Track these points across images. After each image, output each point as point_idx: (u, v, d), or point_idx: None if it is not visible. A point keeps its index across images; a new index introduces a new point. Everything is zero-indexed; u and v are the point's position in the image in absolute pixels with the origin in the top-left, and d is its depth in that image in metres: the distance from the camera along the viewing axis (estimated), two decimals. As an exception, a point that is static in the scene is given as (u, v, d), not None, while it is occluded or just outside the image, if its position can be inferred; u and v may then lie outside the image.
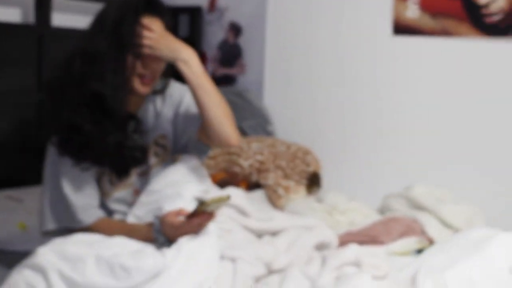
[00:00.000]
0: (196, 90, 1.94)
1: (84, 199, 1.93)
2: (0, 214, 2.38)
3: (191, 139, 2.07)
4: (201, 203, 1.73)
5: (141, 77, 1.93)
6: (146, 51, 1.90)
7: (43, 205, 1.98)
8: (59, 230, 1.96)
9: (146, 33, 1.90)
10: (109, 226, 1.95)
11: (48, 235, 1.96)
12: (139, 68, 1.92)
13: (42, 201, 1.98)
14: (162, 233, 1.82)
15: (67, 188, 1.93)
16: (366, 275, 1.68)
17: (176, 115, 2.08)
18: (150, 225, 1.86)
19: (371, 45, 3.28)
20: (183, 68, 1.92)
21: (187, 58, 1.92)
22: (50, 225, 1.97)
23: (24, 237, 2.28)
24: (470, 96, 3.08)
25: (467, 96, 3.09)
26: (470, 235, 1.96)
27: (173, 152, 2.10)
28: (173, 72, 2.04)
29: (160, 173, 2.03)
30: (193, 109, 2.04)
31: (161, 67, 1.97)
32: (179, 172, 2.01)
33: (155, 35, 1.90)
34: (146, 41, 1.89)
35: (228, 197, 1.78)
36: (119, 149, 1.94)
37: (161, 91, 2.08)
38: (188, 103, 2.07)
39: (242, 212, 2.05)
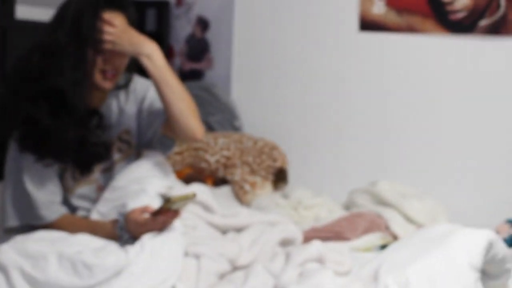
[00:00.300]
0: (159, 85, 1.93)
1: (46, 195, 1.92)
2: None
3: (156, 134, 2.07)
4: (167, 201, 1.73)
5: (104, 72, 1.92)
6: (108, 46, 1.88)
7: (5, 201, 1.95)
8: (21, 227, 1.94)
9: (107, 28, 1.88)
10: (72, 223, 1.93)
11: (10, 232, 1.94)
12: (100, 63, 1.90)
13: (4, 198, 1.96)
14: (126, 230, 1.81)
15: (29, 184, 1.91)
16: (328, 272, 1.70)
17: (140, 110, 2.07)
18: (114, 222, 1.85)
19: (338, 40, 3.29)
20: (146, 62, 1.91)
21: (150, 52, 1.91)
22: (12, 222, 1.95)
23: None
24: (434, 92, 3.12)
25: (431, 92, 3.13)
26: (432, 230, 1.98)
27: (138, 147, 2.10)
28: (137, 67, 2.03)
29: (124, 169, 2.02)
30: (157, 103, 2.03)
31: (124, 62, 1.95)
32: (143, 168, 2.01)
33: (117, 30, 1.89)
34: (107, 37, 1.88)
35: (193, 195, 1.78)
36: (81, 145, 1.92)
37: (124, 86, 2.07)
38: (152, 98, 2.06)
39: (207, 209, 2.05)
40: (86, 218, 1.97)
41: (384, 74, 3.21)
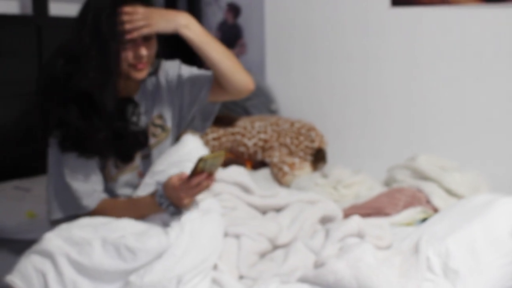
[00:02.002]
0: (204, 49, 1.95)
1: (87, 186, 1.95)
2: (9, 203, 2.41)
3: (202, 103, 2.09)
4: (199, 160, 1.75)
5: (134, 65, 1.93)
6: (145, 31, 1.89)
7: (49, 195, 1.99)
8: (67, 218, 1.98)
9: (126, 17, 1.88)
10: (113, 205, 1.96)
11: (57, 224, 1.98)
12: (130, 57, 1.91)
13: (48, 191, 2.00)
14: (165, 197, 1.82)
15: (70, 177, 1.94)
16: (368, 245, 1.70)
17: (179, 89, 2.08)
18: (154, 192, 1.87)
19: (370, 17, 3.27)
20: (186, 32, 1.93)
21: (186, 22, 1.93)
22: (57, 214, 1.98)
23: (33, 225, 2.31)
24: (470, 64, 3.07)
25: (468, 64, 3.08)
26: (472, 201, 1.97)
27: (177, 129, 2.11)
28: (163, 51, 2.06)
29: (163, 154, 2.04)
30: (195, 75, 2.07)
31: (154, 48, 1.96)
32: (182, 152, 2.02)
33: (146, 13, 1.89)
34: (138, 23, 1.88)
35: (223, 153, 1.81)
36: (120, 135, 1.95)
37: (155, 72, 2.09)
38: (188, 72, 2.08)
39: (246, 190, 2.07)
40: (125, 198, 2.00)
41: (418, 49, 3.18)
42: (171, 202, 1.81)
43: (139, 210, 1.88)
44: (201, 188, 1.79)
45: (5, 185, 2.59)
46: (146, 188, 1.97)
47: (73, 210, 1.96)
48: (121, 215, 1.87)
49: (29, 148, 2.75)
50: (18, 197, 2.47)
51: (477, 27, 3.05)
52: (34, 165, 2.75)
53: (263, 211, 2.08)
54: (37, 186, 2.57)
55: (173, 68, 2.09)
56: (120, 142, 1.95)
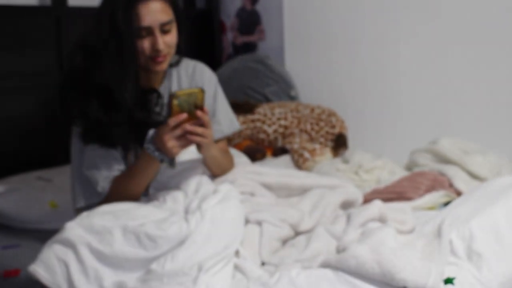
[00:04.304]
0: (207, 162, 2.04)
1: (105, 172, 1.96)
2: (31, 194, 2.43)
3: None
4: (170, 96, 1.76)
5: (153, 58, 1.93)
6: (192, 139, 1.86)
7: (72, 184, 2.01)
8: (90, 207, 1.99)
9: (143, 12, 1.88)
10: (119, 178, 1.97)
11: (80, 212, 1.99)
12: (148, 49, 1.91)
13: (71, 180, 2.01)
14: (152, 144, 1.84)
15: (89, 166, 1.96)
16: (390, 229, 1.68)
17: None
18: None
19: (392, 3, 3.23)
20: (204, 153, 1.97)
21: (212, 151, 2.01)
22: (80, 203, 2.00)
23: (56, 215, 2.32)
24: (494, 45, 3.02)
25: (491, 45, 3.03)
26: (495, 183, 1.94)
27: None
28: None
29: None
30: (220, 117, 2.14)
31: (173, 41, 1.95)
32: None
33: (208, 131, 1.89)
34: (144, 22, 1.88)
35: (200, 90, 1.81)
36: (144, 125, 1.95)
37: (176, 64, 2.09)
38: (218, 107, 2.14)
39: (258, 173, 2.07)
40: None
41: (438, 30, 3.14)
42: (157, 148, 1.83)
43: (138, 169, 1.90)
44: (183, 129, 1.80)
45: (27, 175, 2.61)
46: (160, 176, 1.99)
47: (94, 198, 1.97)
48: (127, 184, 1.91)
49: (51, 139, 2.79)
50: (40, 188, 2.49)
51: (496, 11, 3.00)
52: (56, 155, 2.78)
53: (281, 194, 2.06)
54: (59, 176, 2.59)
55: (208, 84, 2.11)
56: (142, 133, 1.95)
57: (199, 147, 1.90)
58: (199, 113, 1.82)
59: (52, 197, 2.41)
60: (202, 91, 1.82)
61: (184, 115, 1.80)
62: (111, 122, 1.90)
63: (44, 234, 1.98)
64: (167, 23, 1.90)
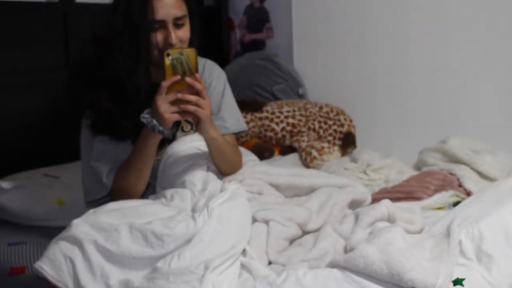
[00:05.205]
0: (213, 152, 1.98)
1: (111, 165, 1.95)
2: (38, 191, 2.42)
3: None
4: (162, 55, 1.75)
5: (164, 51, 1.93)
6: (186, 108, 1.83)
7: (82, 179, 2.01)
8: (102, 201, 1.98)
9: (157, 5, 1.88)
10: (121, 168, 1.94)
11: (91, 207, 1.97)
12: (161, 42, 1.91)
13: (82, 173, 2.00)
14: (148, 114, 1.82)
15: (97, 159, 1.95)
16: (398, 229, 1.66)
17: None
18: None
19: (401, 0, 3.21)
20: (211, 139, 1.93)
21: (216, 135, 1.94)
22: (90, 197, 2.00)
23: (63, 212, 2.32)
24: (504, 42, 3.00)
25: (501, 42, 3.00)
26: (505, 184, 1.92)
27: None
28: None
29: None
30: (223, 115, 2.11)
31: (186, 36, 1.95)
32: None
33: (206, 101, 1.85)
34: (158, 16, 1.88)
35: (192, 50, 1.79)
36: None
37: None
38: (225, 103, 2.11)
39: (266, 173, 2.06)
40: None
41: (448, 30, 3.11)
42: (152, 117, 1.80)
43: (138, 148, 1.88)
44: (175, 95, 1.77)
45: (34, 172, 2.61)
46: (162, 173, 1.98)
47: (102, 192, 1.96)
48: (130, 169, 1.89)
49: (58, 136, 2.78)
50: (47, 185, 2.48)
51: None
52: (63, 152, 2.78)
53: (289, 194, 2.05)
54: (66, 173, 2.59)
55: (217, 81, 2.09)
56: None
57: (197, 123, 1.85)
58: (188, 79, 1.78)
59: (59, 194, 2.40)
60: (194, 51, 1.80)
61: (177, 77, 1.77)
62: (121, 114, 1.90)
63: (50, 231, 1.98)
64: (181, 17, 1.91)
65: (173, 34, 1.90)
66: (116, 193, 1.94)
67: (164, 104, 1.78)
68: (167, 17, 1.89)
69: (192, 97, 1.79)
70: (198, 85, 1.80)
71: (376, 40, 3.29)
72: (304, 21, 3.50)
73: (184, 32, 1.94)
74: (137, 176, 1.92)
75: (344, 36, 3.39)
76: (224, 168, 2.03)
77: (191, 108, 1.80)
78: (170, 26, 1.90)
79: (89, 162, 1.98)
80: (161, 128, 1.81)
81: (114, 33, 1.88)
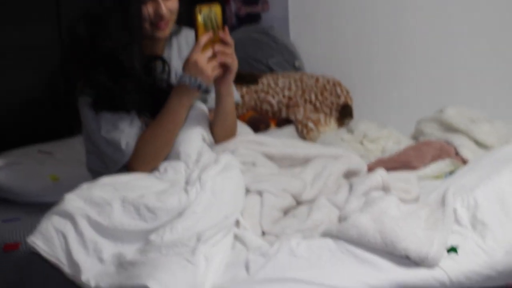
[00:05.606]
0: (224, 102, 1.99)
1: (128, 129, 1.91)
2: (32, 167, 2.40)
3: None
4: (195, 12, 1.78)
5: (155, 24, 1.90)
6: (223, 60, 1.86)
7: (102, 149, 1.94)
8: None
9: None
10: (147, 132, 1.91)
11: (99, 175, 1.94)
12: (151, 15, 1.89)
13: (100, 146, 1.94)
14: (186, 74, 1.83)
15: (107, 130, 1.90)
16: (392, 198, 1.65)
17: None
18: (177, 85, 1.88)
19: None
20: (224, 93, 1.96)
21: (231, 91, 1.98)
22: (117, 164, 1.94)
23: (57, 188, 2.30)
24: (500, 12, 2.96)
25: (497, 12, 2.96)
26: (501, 152, 1.91)
27: None
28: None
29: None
30: None
31: (175, 7, 1.93)
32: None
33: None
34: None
35: (218, 5, 1.83)
36: (151, 93, 1.94)
37: (176, 33, 2.07)
38: None
39: (260, 144, 2.04)
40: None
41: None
42: (193, 75, 1.81)
43: (172, 108, 1.87)
44: (213, 50, 1.80)
45: (28, 149, 2.59)
46: None
47: (123, 160, 1.92)
48: (160, 131, 1.88)
49: (52, 112, 2.77)
50: (41, 161, 2.46)
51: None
52: (57, 128, 2.76)
53: (284, 165, 2.03)
54: (60, 149, 2.58)
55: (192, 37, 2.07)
56: (150, 100, 1.93)
57: (226, 76, 1.88)
58: (221, 34, 1.83)
59: (53, 170, 2.39)
60: (220, 5, 1.83)
61: (210, 33, 1.81)
62: (121, 89, 1.87)
63: (44, 208, 1.95)
64: None
65: (163, 5, 1.88)
66: (140, 159, 1.90)
67: (205, 61, 1.80)
68: None
69: (229, 50, 1.84)
70: (229, 39, 1.83)
71: (373, 11, 3.25)
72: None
73: (173, 3, 1.92)
74: (168, 140, 1.90)
75: (340, 7, 3.34)
76: (222, 132, 2.03)
77: (228, 59, 1.84)
78: None
79: (101, 135, 1.92)
80: (205, 85, 1.83)
81: (105, 9, 1.86)
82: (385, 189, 1.81)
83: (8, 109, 2.72)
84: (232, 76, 1.91)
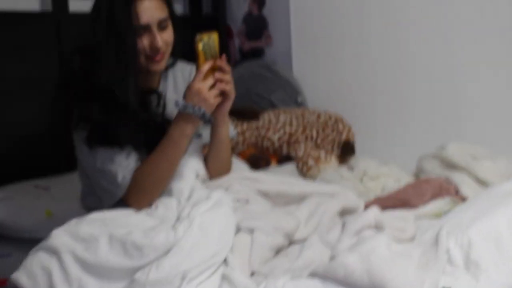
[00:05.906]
0: (219, 146, 2.00)
1: (125, 162, 1.87)
2: (27, 202, 2.39)
3: None
4: (196, 40, 1.79)
5: (151, 57, 1.89)
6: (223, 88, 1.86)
7: (99, 182, 1.89)
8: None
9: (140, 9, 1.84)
10: (145, 164, 1.87)
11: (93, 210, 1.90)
12: (146, 48, 1.87)
13: (95, 180, 1.91)
14: (188, 103, 1.81)
15: (106, 160, 1.86)
16: (383, 237, 1.60)
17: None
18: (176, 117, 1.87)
19: (397, 5, 3.16)
20: (220, 128, 1.97)
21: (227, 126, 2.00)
22: (113, 198, 1.89)
23: (51, 224, 2.27)
24: (503, 45, 2.93)
25: (500, 45, 2.93)
26: (499, 189, 1.86)
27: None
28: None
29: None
30: None
31: (170, 39, 1.92)
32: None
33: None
34: (143, 20, 1.84)
35: (216, 33, 1.83)
36: (147, 127, 1.91)
37: (171, 66, 2.07)
38: None
39: (256, 181, 2.01)
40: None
41: (447, 33, 3.05)
42: (196, 104, 1.80)
43: (172, 139, 1.85)
44: (214, 77, 1.81)
45: (25, 184, 2.58)
46: None
47: (119, 194, 1.87)
48: (159, 163, 1.85)
49: (50, 146, 2.76)
50: (37, 196, 2.46)
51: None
52: (55, 163, 2.75)
53: (278, 202, 2.00)
54: (57, 185, 2.57)
55: (188, 69, 2.10)
56: (146, 134, 1.91)
57: (224, 104, 1.88)
58: (220, 62, 1.83)
59: (48, 205, 2.37)
60: (217, 33, 1.84)
61: (211, 62, 1.81)
62: (115, 123, 1.85)
63: (36, 243, 1.93)
64: (164, 19, 1.88)
65: (158, 38, 1.87)
66: (138, 193, 1.85)
67: (206, 89, 1.80)
68: (151, 20, 1.85)
69: (227, 77, 1.84)
70: (227, 66, 1.84)
71: (376, 47, 3.25)
72: (303, 28, 3.46)
73: (169, 35, 1.91)
74: (169, 171, 1.87)
75: (343, 43, 3.34)
76: (217, 166, 2.01)
77: (227, 87, 1.84)
78: (155, 30, 1.86)
79: (96, 168, 1.88)
80: (209, 114, 1.82)
81: (99, 42, 1.84)
82: (379, 227, 1.76)
83: (7, 142, 2.71)
84: (229, 103, 1.90)
